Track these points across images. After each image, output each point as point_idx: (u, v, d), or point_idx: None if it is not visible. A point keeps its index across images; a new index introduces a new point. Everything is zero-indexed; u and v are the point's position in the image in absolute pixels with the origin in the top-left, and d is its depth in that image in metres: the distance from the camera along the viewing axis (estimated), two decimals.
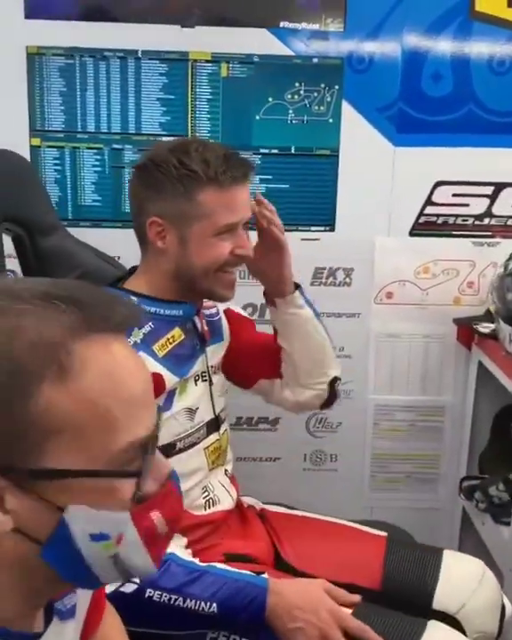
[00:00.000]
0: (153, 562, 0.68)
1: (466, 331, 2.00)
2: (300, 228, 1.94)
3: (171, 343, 1.25)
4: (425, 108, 1.90)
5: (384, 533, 1.42)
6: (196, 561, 1.16)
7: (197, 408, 1.31)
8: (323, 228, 1.96)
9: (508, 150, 1.93)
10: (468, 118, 1.91)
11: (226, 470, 1.41)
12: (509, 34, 1.87)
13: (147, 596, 1.07)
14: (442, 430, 2.08)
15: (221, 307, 1.43)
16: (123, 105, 1.84)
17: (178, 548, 1.22)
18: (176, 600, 1.08)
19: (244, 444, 2.01)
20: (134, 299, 1.21)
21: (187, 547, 1.26)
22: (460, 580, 1.31)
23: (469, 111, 1.91)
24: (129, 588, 1.04)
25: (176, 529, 0.71)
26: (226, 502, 1.36)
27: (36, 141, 1.85)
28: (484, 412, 2.06)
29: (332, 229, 1.96)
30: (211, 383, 1.35)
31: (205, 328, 1.35)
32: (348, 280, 1.99)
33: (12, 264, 1.48)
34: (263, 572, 1.15)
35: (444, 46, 1.87)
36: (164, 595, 1.08)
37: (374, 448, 2.09)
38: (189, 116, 1.86)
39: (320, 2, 1.82)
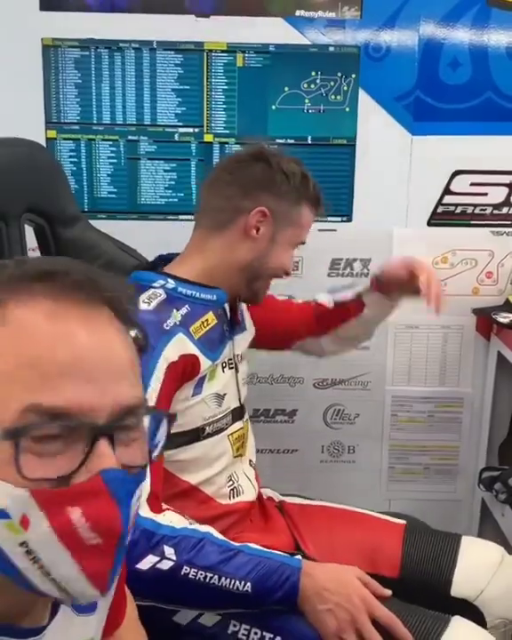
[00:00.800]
0: (87, 578, 0.59)
1: (485, 321, 1.99)
2: (316, 219, 1.92)
3: (205, 327, 1.28)
4: (443, 97, 1.88)
5: (402, 521, 1.42)
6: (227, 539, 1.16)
7: (225, 394, 1.33)
8: (340, 219, 1.95)
9: None
10: (487, 106, 1.88)
11: (250, 460, 1.42)
12: None
13: (183, 573, 1.07)
14: (460, 421, 2.07)
15: None
16: (138, 96, 1.84)
17: None
18: (211, 578, 1.07)
19: (261, 436, 1.98)
20: (172, 281, 1.26)
21: None
22: (479, 565, 1.31)
23: (488, 99, 1.88)
24: (165, 564, 1.05)
25: (112, 545, 0.60)
26: (249, 493, 1.37)
27: (52, 133, 1.85)
28: (503, 403, 2.04)
29: (350, 220, 1.95)
30: (237, 371, 1.38)
31: (242, 313, 1.44)
32: (365, 271, 1.98)
33: (34, 256, 1.48)
34: (296, 553, 1.15)
35: (461, 34, 1.85)
36: (200, 572, 1.07)
37: (392, 439, 2.08)
38: (205, 106, 1.85)
39: None
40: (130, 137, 1.86)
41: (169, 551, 1.07)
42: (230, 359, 1.36)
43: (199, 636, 1.15)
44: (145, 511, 1.08)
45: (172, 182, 1.90)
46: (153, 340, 1.11)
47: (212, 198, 1.34)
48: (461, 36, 1.85)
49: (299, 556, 1.14)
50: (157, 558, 1.06)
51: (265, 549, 1.13)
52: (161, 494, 1.14)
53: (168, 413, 0.67)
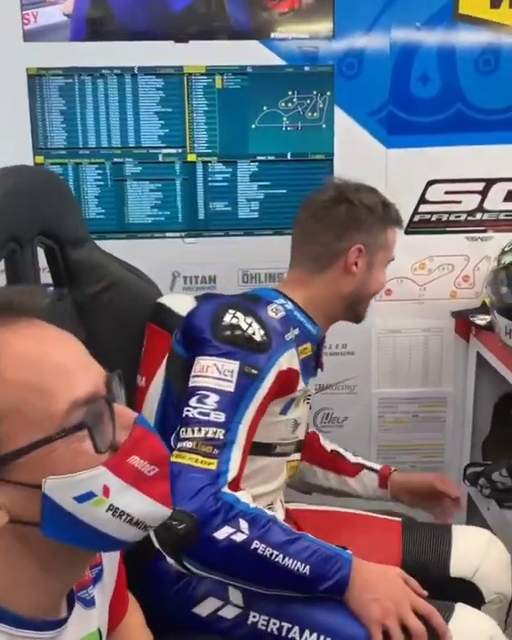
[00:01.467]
0: (157, 501, 0.73)
1: (463, 323, 2.08)
2: None
3: (306, 353, 1.39)
4: (414, 110, 1.96)
5: (398, 519, 1.52)
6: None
7: (300, 424, 1.42)
8: None
9: (497, 147, 1.99)
10: (457, 118, 1.97)
11: (284, 490, 1.50)
12: (492, 34, 1.93)
13: (252, 547, 1.13)
14: (444, 420, 2.16)
15: None
16: (122, 120, 1.91)
17: None
18: (276, 556, 1.14)
19: None
20: (290, 304, 1.38)
21: None
22: (471, 546, 1.43)
23: (458, 111, 1.97)
24: (239, 537, 1.12)
25: (166, 466, 0.76)
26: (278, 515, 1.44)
27: (40, 159, 1.91)
28: (484, 401, 2.13)
29: None
30: (310, 408, 1.50)
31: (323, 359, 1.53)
32: None
33: (46, 277, 1.55)
34: (346, 548, 1.22)
35: (430, 49, 1.93)
36: (268, 549, 1.13)
37: (380, 440, 2.17)
38: (187, 127, 1.92)
39: (308, 11, 1.88)
40: (115, 159, 1.93)
41: (243, 525, 1.13)
42: (309, 394, 1.47)
43: (219, 627, 1.22)
44: (226, 489, 1.16)
45: (158, 201, 1.97)
46: (275, 345, 1.26)
47: (306, 246, 1.45)
48: (430, 51, 1.93)
49: (349, 551, 1.21)
50: (233, 530, 1.12)
51: (320, 540, 1.20)
52: (240, 478, 1.21)
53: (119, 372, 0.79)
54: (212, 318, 1.27)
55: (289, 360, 1.31)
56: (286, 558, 1.14)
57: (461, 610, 1.21)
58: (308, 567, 1.15)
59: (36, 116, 1.89)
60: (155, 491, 0.73)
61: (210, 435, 1.17)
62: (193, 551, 1.13)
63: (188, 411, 1.19)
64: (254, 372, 1.23)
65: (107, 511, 0.70)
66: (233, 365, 1.22)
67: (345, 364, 2.10)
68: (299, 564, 1.14)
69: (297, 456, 1.48)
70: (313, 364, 1.45)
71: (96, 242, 1.89)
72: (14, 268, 1.37)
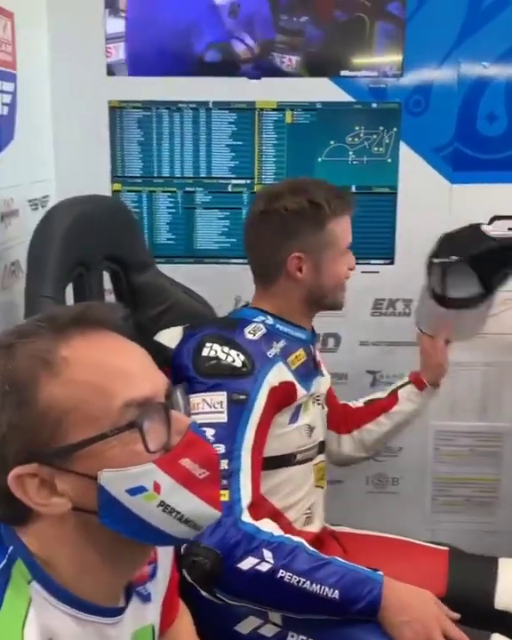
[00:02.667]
0: (207, 503, 0.80)
1: None
2: (360, 262, 2.03)
3: (298, 360, 1.43)
4: (480, 147, 1.99)
5: (445, 548, 1.53)
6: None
7: (315, 427, 1.46)
8: (382, 262, 2.07)
9: None
10: None
11: (323, 494, 1.54)
12: None
13: (279, 576, 1.17)
14: (501, 455, 2.14)
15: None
16: (195, 151, 2.00)
17: None
18: (304, 583, 1.17)
19: None
20: (270, 318, 1.43)
21: None
22: None
23: None
24: (264, 566, 1.16)
25: (216, 471, 0.82)
26: (318, 523, 1.49)
27: (117, 186, 2.02)
28: None
29: (392, 262, 2.07)
30: (323, 408, 1.53)
31: (319, 358, 1.56)
32: (407, 310, 2.08)
33: (109, 299, 1.64)
34: (378, 569, 1.24)
35: (498, 87, 1.96)
36: (295, 577, 1.17)
37: (435, 472, 2.17)
38: (256, 159, 2.00)
39: (379, 49, 1.94)
40: (187, 188, 2.03)
41: (268, 554, 1.18)
42: (318, 396, 1.51)
43: None
44: (246, 517, 1.20)
45: (225, 229, 2.05)
46: (259, 365, 1.30)
47: (253, 261, 1.50)
48: (498, 89, 1.96)
49: (380, 572, 1.24)
50: (257, 560, 1.17)
51: (351, 563, 1.24)
52: (258, 501, 1.26)
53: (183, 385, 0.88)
54: (192, 356, 1.32)
55: (278, 375, 1.35)
56: (314, 584, 1.17)
57: (496, 638, 1.21)
58: (336, 591, 1.18)
59: (115, 145, 2.00)
60: (204, 492, 0.79)
61: None
62: (221, 583, 1.18)
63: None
64: (242, 397, 1.27)
65: (158, 506, 0.76)
66: (221, 396, 1.27)
67: None
68: (327, 589, 1.18)
69: (321, 457, 1.51)
70: (312, 365, 1.49)
71: (165, 265, 2.00)
72: (81, 291, 1.46)
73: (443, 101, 1.97)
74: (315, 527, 1.48)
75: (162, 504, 0.76)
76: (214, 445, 1.19)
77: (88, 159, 1.99)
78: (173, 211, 2.04)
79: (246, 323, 1.39)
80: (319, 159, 2.00)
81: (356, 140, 2.00)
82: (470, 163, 1.99)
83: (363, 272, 2.05)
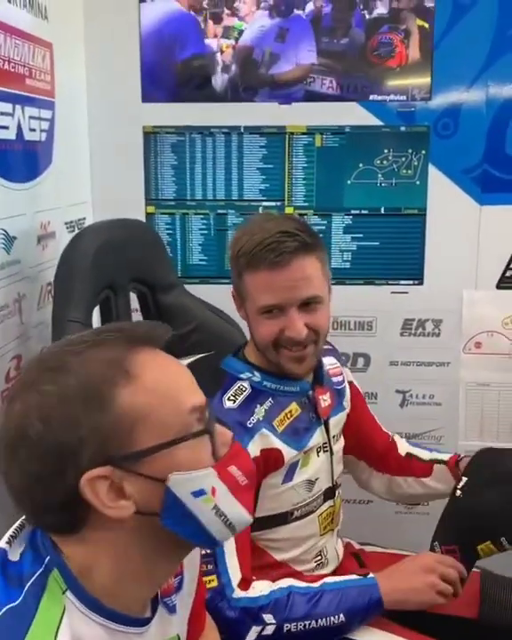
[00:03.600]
0: (245, 509, 0.86)
1: None
2: (389, 282, 2.07)
3: (289, 418, 1.34)
4: (509, 169, 2.00)
5: (478, 570, 1.51)
6: (307, 583, 1.28)
7: (317, 479, 1.40)
8: (412, 282, 2.08)
9: None
10: None
11: (338, 530, 1.51)
12: None
13: (285, 630, 1.20)
14: None
15: (347, 377, 1.55)
16: (227, 175, 2.05)
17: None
18: (310, 624, 1.21)
19: None
20: (258, 374, 1.34)
21: None
22: None
23: None
24: (269, 629, 1.20)
25: (254, 479, 0.88)
26: (333, 564, 1.47)
27: (151, 209, 2.08)
28: None
29: (421, 283, 2.08)
30: (332, 453, 1.45)
31: (323, 403, 1.40)
32: (436, 331, 2.09)
33: (136, 317, 1.68)
34: (368, 573, 1.28)
35: None
36: (299, 624, 1.20)
37: None
38: (287, 182, 2.04)
39: (407, 73, 1.98)
40: (219, 211, 2.07)
41: (268, 617, 1.20)
42: (325, 443, 1.42)
43: None
44: (238, 594, 1.22)
45: None
46: (237, 438, 1.27)
47: None
48: None
49: (371, 574, 1.27)
50: (260, 627, 1.20)
51: (341, 579, 1.27)
52: (249, 576, 1.26)
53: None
54: None
55: (260, 443, 1.28)
56: (319, 620, 1.21)
57: None
58: (341, 614, 1.21)
59: (149, 169, 2.06)
60: (244, 499, 0.85)
61: None
62: None
63: None
64: None
65: (212, 510, 0.81)
66: None
67: (431, 415, 2.12)
68: (332, 617, 1.21)
69: (329, 504, 1.45)
70: (311, 417, 1.38)
71: (198, 286, 2.05)
72: (108, 313, 1.51)
73: (471, 124, 1.99)
74: (329, 568, 1.45)
75: (215, 507, 0.81)
76: None
77: (123, 183, 2.05)
78: (206, 232, 2.09)
79: (231, 382, 1.33)
80: (348, 182, 2.03)
81: (385, 162, 2.03)
82: (499, 184, 2.01)
83: (392, 293, 2.08)
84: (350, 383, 1.57)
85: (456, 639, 1.31)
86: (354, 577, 1.28)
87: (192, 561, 0.99)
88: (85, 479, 0.75)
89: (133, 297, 1.63)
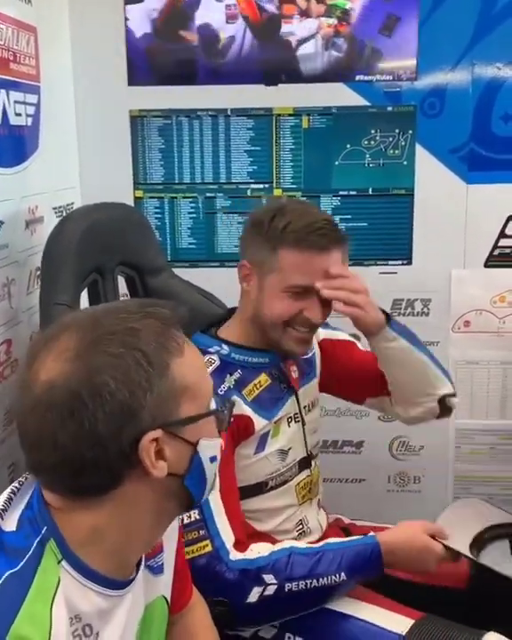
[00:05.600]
0: None
1: None
2: (378, 263, 2.08)
3: (258, 388, 1.36)
4: (495, 148, 2.01)
5: None
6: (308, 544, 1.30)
7: (290, 448, 1.41)
8: (400, 262, 2.09)
9: None
10: None
11: (319, 500, 1.52)
12: None
13: (287, 590, 1.21)
14: None
15: (316, 340, 1.52)
16: (214, 158, 2.05)
17: None
18: (311, 583, 1.22)
19: (329, 466, 2.12)
20: (226, 347, 1.36)
21: None
22: None
23: None
24: (271, 589, 1.21)
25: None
26: (316, 533, 1.47)
27: (140, 193, 2.08)
28: None
29: (410, 263, 2.09)
30: (304, 423, 1.45)
31: (293, 375, 1.43)
32: (425, 310, 2.11)
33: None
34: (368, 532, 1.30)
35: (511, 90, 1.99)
36: (301, 583, 1.22)
37: (457, 471, 2.18)
38: (274, 164, 2.05)
39: (392, 53, 1.98)
40: (207, 194, 2.08)
41: (268, 577, 1.21)
42: (296, 413, 1.43)
43: None
44: (234, 556, 1.23)
45: None
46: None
47: None
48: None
49: (371, 533, 1.29)
50: (261, 587, 1.21)
51: (343, 539, 1.29)
52: (243, 538, 1.27)
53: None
54: None
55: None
56: (321, 579, 1.22)
57: (490, 637, 1.22)
58: (342, 573, 1.23)
59: (136, 153, 2.06)
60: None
61: (186, 521, 1.21)
62: (241, 622, 1.23)
63: None
64: None
65: (214, 474, 0.91)
66: None
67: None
68: (333, 576, 1.22)
69: (305, 474, 1.45)
70: (281, 387, 1.40)
71: (188, 270, 2.05)
72: (96, 297, 1.51)
73: (457, 103, 2.00)
74: (313, 537, 1.45)
75: (215, 474, 0.91)
76: None
77: (111, 167, 2.05)
78: (194, 216, 2.09)
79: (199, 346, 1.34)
80: (336, 163, 2.04)
81: (372, 143, 2.03)
82: (486, 163, 2.02)
83: (381, 273, 2.09)
84: (321, 344, 1.55)
85: (444, 610, 1.32)
86: (355, 537, 1.30)
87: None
88: (148, 438, 0.79)
89: (122, 281, 1.64)
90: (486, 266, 2.08)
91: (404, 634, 1.23)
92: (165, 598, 0.99)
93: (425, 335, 2.09)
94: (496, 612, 1.38)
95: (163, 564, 0.98)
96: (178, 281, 1.70)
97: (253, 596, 1.20)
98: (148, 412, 0.79)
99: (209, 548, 1.22)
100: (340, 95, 2.00)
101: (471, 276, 2.09)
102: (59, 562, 0.80)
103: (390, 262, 2.09)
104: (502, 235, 2.06)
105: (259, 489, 1.37)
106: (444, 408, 1.49)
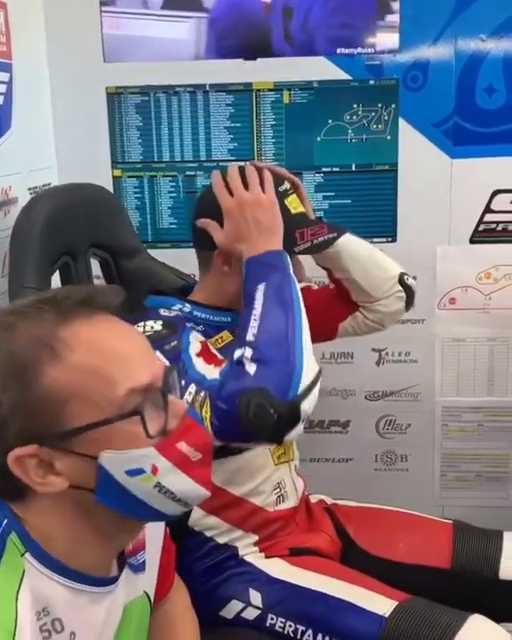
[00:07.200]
0: (198, 484, 0.83)
1: None
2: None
3: (221, 342, 1.34)
4: (480, 121, 1.97)
5: (450, 521, 1.54)
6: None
7: None
8: (385, 240, 2.06)
9: None
10: None
11: (295, 465, 1.51)
12: None
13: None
14: (510, 430, 2.14)
15: None
16: (194, 135, 2.01)
17: (247, 546, 1.37)
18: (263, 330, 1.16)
19: (316, 446, 2.13)
20: (188, 305, 1.34)
21: (256, 544, 1.39)
22: None
23: None
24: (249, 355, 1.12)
25: (209, 454, 0.85)
26: (292, 498, 1.46)
27: (118, 172, 2.04)
28: None
29: (394, 240, 2.06)
30: None
31: None
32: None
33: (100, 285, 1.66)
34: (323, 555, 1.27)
35: (496, 60, 1.94)
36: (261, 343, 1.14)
37: (443, 448, 2.17)
38: (255, 141, 2.01)
39: (374, 25, 1.94)
40: (188, 172, 2.03)
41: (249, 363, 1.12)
42: None
43: (241, 627, 1.30)
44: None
45: None
46: (180, 329, 1.23)
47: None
48: (496, 63, 1.94)
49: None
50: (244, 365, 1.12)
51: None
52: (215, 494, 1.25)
53: (174, 366, 0.91)
54: None
55: (199, 337, 1.27)
56: (267, 321, 1.17)
57: (474, 621, 1.21)
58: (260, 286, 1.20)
59: (114, 131, 2.01)
60: (197, 474, 0.83)
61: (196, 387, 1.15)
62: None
63: None
64: (174, 343, 1.20)
65: (154, 488, 0.80)
66: (157, 354, 1.13)
67: (408, 372, 2.13)
68: (262, 301, 1.18)
69: None
70: None
71: (170, 250, 2.02)
72: (68, 280, 1.48)
73: (441, 76, 1.95)
74: (290, 502, 1.44)
75: (158, 485, 0.80)
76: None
77: (89, 146, 2.01)
78: (175, 195, 2.05)
79: (161, 307, 1.31)
80: (318, 138, 2.00)
81: (355, 117, 1.99)
82: (470, 137, 1.98)
83: None
84: None
85: (429, 589, 1.32)
86: None
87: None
88: (11, 457, 0.75)
89: (96, 264, 1.60)
90: (472, 242, 2.06)
91: (387, 615, 1.22)
92: (148, 595, 0.96)
93: (411, 313, 2.05)
94: (480, 594, 1.38)
95: (144, 561, 0.95)
96: (153, 262, 1.67)
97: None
98: (13, 427, 0.74)
99: (224, 363, 1.18)
100: (321, 69, 1.96)
101: (457, 253, 2.06)
102: (22, 554, 0.78)
103: (375, 240, 2.02)
104: (487, 210, 2.03)
105: (237, 448, 1.34)
106: (407, 289, 1.52)
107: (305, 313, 1.21)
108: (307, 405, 1.11)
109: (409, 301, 1.54)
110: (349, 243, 1.45)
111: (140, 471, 0.78)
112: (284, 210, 1.33)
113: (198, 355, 1.21)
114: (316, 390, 1.13)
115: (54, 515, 0.80)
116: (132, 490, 0.78)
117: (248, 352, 1.13)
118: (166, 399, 0.80)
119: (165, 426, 0.79)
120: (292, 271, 1.24)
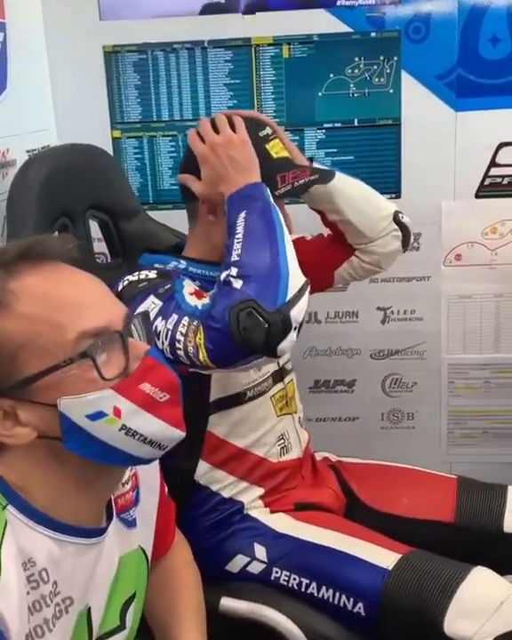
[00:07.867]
0: (170, 424, 0.83)
1: None
2: None
3: None
4: (484, 72, 1.93)
5: (454, 476, 1.55)
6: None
7: None
8: (389, 196, 2.01)
9: None
10: None
11: (299, 417, 1.52)
12: None
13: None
14: None
15: None
16: (193, 93, 1.97)
17: (253, 500, 1.38)
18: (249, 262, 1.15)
19: (322, 406, 2.14)
20: (183, 262, 1.34)
21: (261, 497, 1.40)
22: None
23: None
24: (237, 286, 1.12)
25: (177, 393, 0.84)
26: (296, 449, 1.47)
27: (117, 133, 2.01)
28: None
29: (399, 196, 2.04)
30: None
31: None
32: (416, 244, 2.06)
33: (100, 246, 1.65)
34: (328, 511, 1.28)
35: (499, 10, 1.89)
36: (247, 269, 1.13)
37: (450, 406, 2.17)
38: (255, 97, 1.97)
39: None
40: (187, 131, 2.00)
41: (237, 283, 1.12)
42: None
43: (247, 581, 1.32)
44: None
45: None
46: (173, 277, 1.23)
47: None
48: (500, 12, 1.89)
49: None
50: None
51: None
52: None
53: (140, 313, 0.89)
54: (121, 294, 1.23)
55: (193, 286, 1.26)
56: (253, 251, 1.16)
57: (478, 572, 1.22)
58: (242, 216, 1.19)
59: (112, 91, 1.98)
60: (166, 414, 0.83)
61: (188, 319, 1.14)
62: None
63: (161, 329, 1.16)
64: (168, 287, 1.21)
65: (120, 430, 0.79)
66: (148, 301, 1.20)
67: (414, 330, 2.12)
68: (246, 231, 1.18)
69: (280, 386, 1.45)
70: None
71: (171, 211, 2.01)
72: None
73: (443, 27, 1.90)
74: (294, 454, 1.46)
75: (124, 428, 0.79)
76: (168, 321, 1.14)
77: (87, 107, 1.98)
78: (175, 155, 2.03)
79: (153, 262, 1.32)
80: (319, 93, 1.96)
81: (357, 71, 1.95)
82: (474, 89, 1.94)
83: None
84: None
85: (433, 544, 1.33)
86: None
87: (149, 473, 1.00)
88: None
89: (96, 225, 1.59)
90: (477, 196, 2.03)
91: (390, 568, 1.23)
92: (143, 550, 0.97)
93: (416, 270, 2.09)
94: (485, 547, 1.39)
95: (136, 518, 0.95)
96: (153, 224, 1.66)
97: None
98: None
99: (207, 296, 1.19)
100: (321, 22, 1.91)
101: (462, 208, 2.03)
102: (4, 507, 0.78)
103: None
104: (493, 164, 2.00)
105: (238, 399, 1.36)
106: (403, 227, 1.52)
107: (288, 232, 1.20)
108: (296, 312, 1.10)
109: (405, 241, 1.53)
110: (341, 182, 1.44)
111: (101, 414, 0.78)
112: (266, 154, 1.32)
113: (191, 294, 1.22)
114: (304, 298, 1.12)
115: (30, 467, 0.81)
116: (98, 434, 0.79)
117: (233, 270, 1.13)
118: (125, 341, 0.80)
119: (127, 368, 0.79)
120: (272, 200, 1.23)
